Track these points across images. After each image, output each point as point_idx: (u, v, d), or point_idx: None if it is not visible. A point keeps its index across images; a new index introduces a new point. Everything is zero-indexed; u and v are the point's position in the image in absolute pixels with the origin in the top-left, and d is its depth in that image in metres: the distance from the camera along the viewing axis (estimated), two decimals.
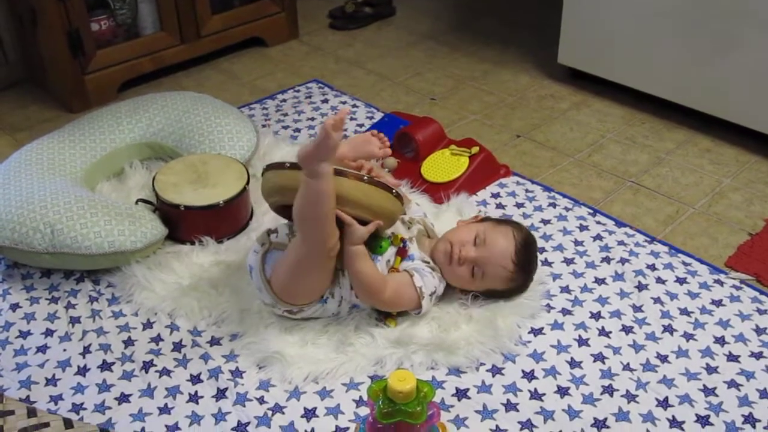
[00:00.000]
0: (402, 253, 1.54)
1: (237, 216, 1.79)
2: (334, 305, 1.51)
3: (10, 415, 1.18)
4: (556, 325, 1.56)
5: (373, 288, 1.46)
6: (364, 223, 1.45)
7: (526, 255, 1.55)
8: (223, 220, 1.76)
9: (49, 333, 1.55)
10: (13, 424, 1.16)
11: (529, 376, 1.45)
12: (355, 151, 1.61)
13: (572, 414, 1.37)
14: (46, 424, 1.17)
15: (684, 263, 1.72)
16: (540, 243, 1.78)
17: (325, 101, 2.43)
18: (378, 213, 1.45)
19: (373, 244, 1.51)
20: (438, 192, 1.91)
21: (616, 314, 1.59)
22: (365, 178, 1.42)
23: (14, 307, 1.62)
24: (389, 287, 1.48)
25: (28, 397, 1.40)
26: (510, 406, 1.39)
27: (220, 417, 1.37)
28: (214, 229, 1.75)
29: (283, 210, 1.52)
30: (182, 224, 1.74)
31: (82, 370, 1.46)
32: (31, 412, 1.20)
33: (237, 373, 1.45)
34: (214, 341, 1.52)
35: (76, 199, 1.67)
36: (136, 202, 1.78)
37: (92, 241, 1.61)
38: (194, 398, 1.40)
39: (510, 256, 1.52)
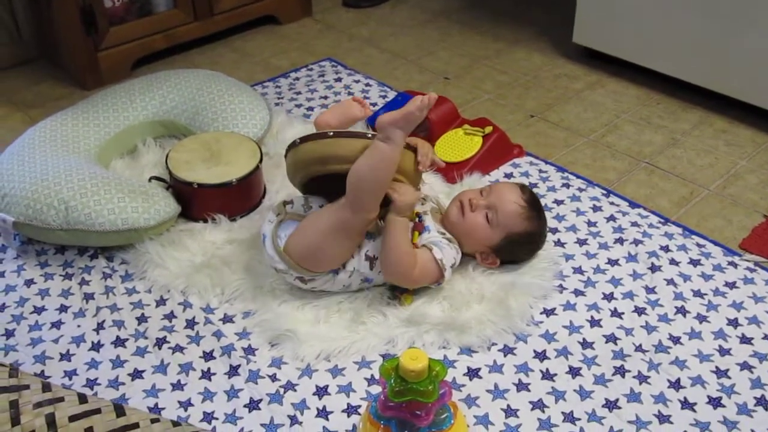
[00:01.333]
0: (419, 227, 1.54)
1: (250, 194, 1.80)
2: (344, 277, 1.52)
3: (25, 390, 1.19)
4: (569, 306, 1.56)
5: (406, 265, 1.47)
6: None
7: (533, 197, 1.61)
8: (235, 198, 1.76)
9: (63, 309, 1.56)
10: (28, 399, 1.17)
11: (541, 356, 1.45)
12: (338, 118, 1.61)
13: (584, 395, 1.37)
14: (61, 399, 1.18)
15: (698, 245, 1.72)
16: (553, 223, 1.77)
17: (339, 80, 2.42)
18: (414, 180, 1.53)
19: None
20: (451, 172, 1.90)
21: (629, 295, 1.58)
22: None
23: (29, 282, 1.63)
24: (417, 265, 1.48)
25: (42, 371, 1.42)
26: (521, 386, 1.39)
27: (232, 394, 1.38)
28: (226, 207, 1.75)
29: (310, 186, 1.54)
30: (195, 202, 1.75)
31: (96, 346, 1.47)
32: (46, 387, 1.21)
33: (249, 351, 1.46)
34: (227, 319, 1.53)
35: (90, 176, 1.67)
36: (150, 180, 1.78)
37: (106, 218, 1.62)
38: (207, 375, 1.41)
39: (518, 195, 1.58)
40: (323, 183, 1.52)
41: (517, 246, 1.59)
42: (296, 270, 1.48)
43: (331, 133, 1.45)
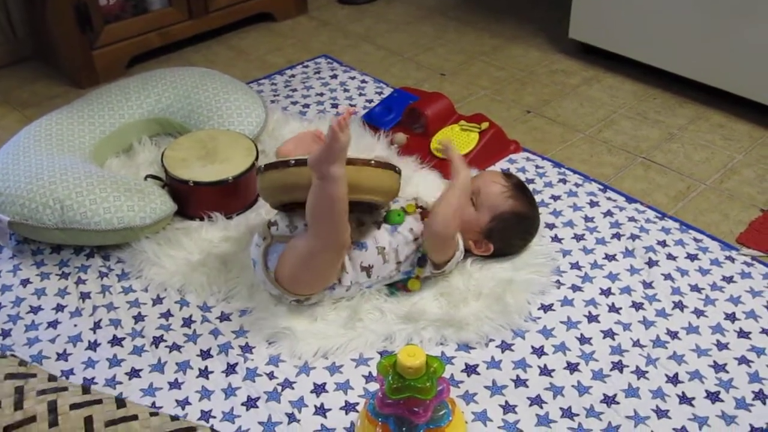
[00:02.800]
0: (426, 215, 1.54)
1: (246, 192, 1.79)
2: (342, 291, 1.51)
3: (32, 378, 1.21)
4: (566, 302, 1.56)
5: (454, 228, 1.49)
6: (368, 204, 1.48)
7: (518, 180, 1.65)
8: (232, 195, 1.76)
9: (59, 308, 1.56)
10: (32, 386, 1.19)
11: (539, 352, 1.45)
12: (301, 151, 1.58)
13: (582, 390, 1.37)
14: (65, 389, 1.20)
15: (695, 239, 1.72)
16: (550, 219, 1.77)
17: (334, 77, 2.42)
18: (388, 193, 1.49)
19: (390, 217, 1.53)
20: (447, 168, 1.89)
21: (627, 291, 1.58)
22: (372, 162, 1.42)
23: (25, 282, 1.62)
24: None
25: None
26: (519, 382, 1.39)
27: (230, 392, 1.37)
28: (223, 205, 1.74)
29: (288, 205, 1.51)
30: (191, 200, 1.74)
31: (93, 345, 1.47)
32: (52, 378, 1.24)
33: (247, 349, 1.46)
34: (224, 317, 1.53)
35: (86, 175, 1.67)
36: (145, 178, 1.78)
37: (102, 216, 1.61)
38: (204, 373, 1.41)
39: (500, 177, 1.63)
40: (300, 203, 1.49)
41: (507, 228, 1.58)
42: (289, 295, 1.48)
43: (293, 162, 1.41)
